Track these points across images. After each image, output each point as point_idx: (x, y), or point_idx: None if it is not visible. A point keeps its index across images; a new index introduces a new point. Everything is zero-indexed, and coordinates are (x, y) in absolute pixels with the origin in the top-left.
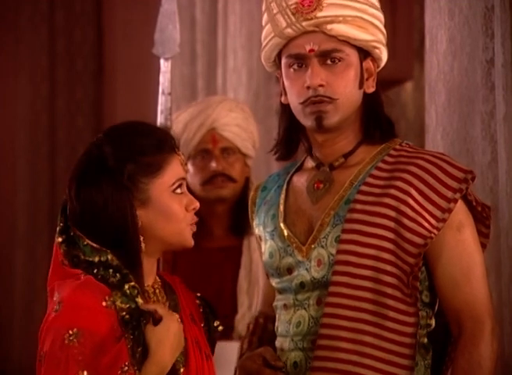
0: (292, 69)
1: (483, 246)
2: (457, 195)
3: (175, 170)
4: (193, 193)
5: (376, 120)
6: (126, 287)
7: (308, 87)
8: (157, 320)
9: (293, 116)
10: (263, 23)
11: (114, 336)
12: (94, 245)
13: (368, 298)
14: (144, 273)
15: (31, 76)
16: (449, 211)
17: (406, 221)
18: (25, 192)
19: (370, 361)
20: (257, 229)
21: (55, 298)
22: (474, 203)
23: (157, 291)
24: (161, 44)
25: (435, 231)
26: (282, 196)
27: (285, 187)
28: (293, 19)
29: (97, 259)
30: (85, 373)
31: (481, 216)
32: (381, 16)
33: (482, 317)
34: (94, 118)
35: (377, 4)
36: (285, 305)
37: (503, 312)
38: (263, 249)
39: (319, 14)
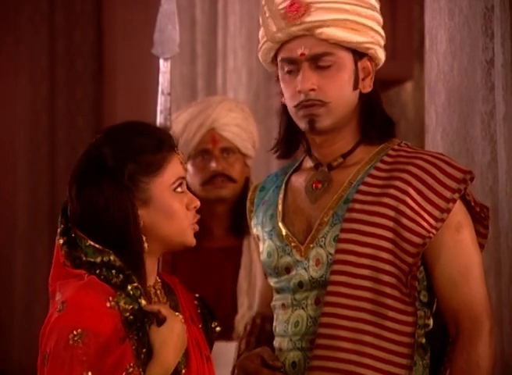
0: (286, 73)
1: (481, 246)
2: (456, 195)
3: (175, 169)
4: (193, 193)
5: (373, 120)
6: (129, 287)
7: (300, 91)
8: (161, 321)
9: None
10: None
11: (118, 337)
12: (97, 246)
13: (366, 298)
14: (147, 274)
15: (31, 76)
16: (448, 211)
17: (405, 221)
18: (25, 192)
19: (369, 360)
20: (256, 229)
21: (57, 298)
22: (473, 203)
23: (158, 291)
24: (160, 45)
25: (433, 231)
26: (281, 196)
27: (283, 187)
28: (283, 24)
29: (99, 260)
30: (89, 373)
31: (480, 217)
32: (376, 15)
33: (480, 317)
34: (94, 118)
35: (373, 3)
36: (283, 305)
37: (503, 312)
38: (261, 249)
39: (307, 19)
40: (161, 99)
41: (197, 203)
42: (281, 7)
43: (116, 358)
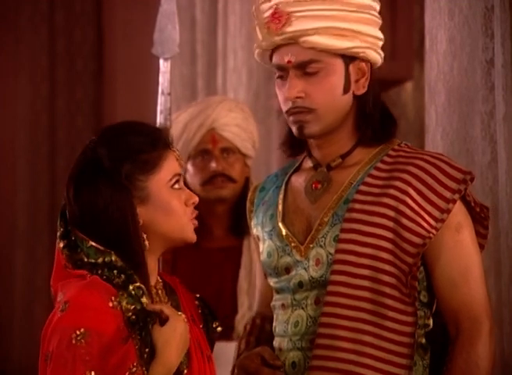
0: (277, 77)
1: (481, 247)
2: (456, 196)
3: (171, 166)
4: (193, 193)
5: (368, 121)
6: (131, 287)
7: (287, 99)
8: (163, 320)
9: None
10: None
11: (121, 337)
12: (98, 246)
13: (366, 298)
14: (148, 273)
15: (31, 76)
16: (448, 211)
17: (405, 221)
18: (25, 192)
19: (369, 360)
20: (256, 229)
21: (59, 298)
22: (473, 204)
23: (159, 291)
24: (160, 45)
25: (433, 231)
26: (281, 196)
27: (283, 187)
28: (266, 33)
29: (100, 261)
30: (92, 373)
31: (480, 217)
32: (366, 16)
33: (480, 318)
34: (94, 118)
35: (365, 3)
36: (283, 305)
37: (503, 312)
38: (261, 249)
39: (288, 29)
40: (161, 99)
41: (196, 199)
42: (265, 16)
43: (119, 358)
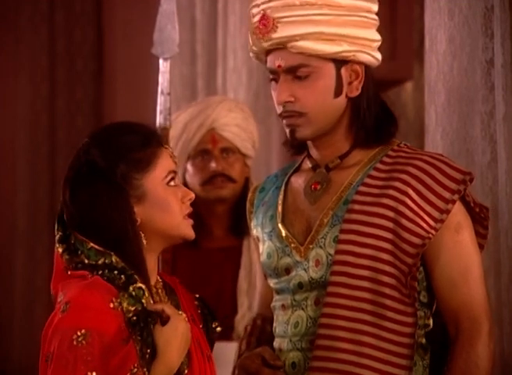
0: (271, 80)
1: (481, 247)
2: (455, 196)
3: (165, 163)
4: (193, 193)
5: (361, 124)
6: (131, 288)
7: (277, 103)
8: (164, 320)
9: None
10: None
11: (121, 337)
12: (98, 248)
13: (366, 299)
14: (148, 272)
15: (31, 76)
16: (447, 212)
17: (404, 221)
18: (25, 192)
19: (368, 361)
20: (255, 230)
21: (59, 299)
22: (473, 204)
23: (159, 291)
24: (160, 44)
25: (432, 232)
26: (281, 197)
27: (283, 188)
28: (255, 39)
29: (101, 262)
30: (94, 373)
31: (480, 217)
32: (356, 19)
33: (480, 318)
34: (94, 118)
35: (358, 5)
36: (283, 306)
37: (503, 312)
38: (261, 250)
39: (274, 35)
40: (160, 99)
41: (192, 196)
42: (254, 21)
43: (120, 359)
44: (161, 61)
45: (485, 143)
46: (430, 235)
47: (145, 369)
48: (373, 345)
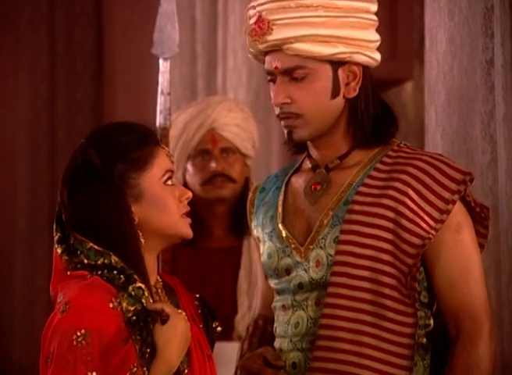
0: (269, 81)
1: (481, 247)
2: (456, 197)
3: (162, 162)
4: (193, 193)
5: (358, 125)
6: (130, 288)
7: (274, 105)
8: (164, 319)
9: None
10: None
11: (121, 337)
12: (98, 248)
13: (366, 299)
14: (148, 271)
15: (31, 76)
16: (448, 212)
17: (404, 222)
18: (25, 192)
19: (369, 362)
20: (256, 230)
21: (59, 299)
22: (473, 204)
23: (159, 290)
24: (159, 44)
25: (433, 232)
26: (281, 197)
27: (283, 188)
28: (251, 41)
29: (100, 262)
30: (94, 373)
31: (480, 217)
32: (352, 20)
33: (480, 318)
34: (94, 118)
35: (355, 5)
36: (283, 306)
37: (503, 312)
38: (261, 250)
39: (269, 38)
40: (160, 99)
41: (190, 194)
42: (250, 23)
43: (120, 359)
44: (161, 61)
45: (485, 143)
46: (430, 235)
47: (145, 369)
48: (373, 346)
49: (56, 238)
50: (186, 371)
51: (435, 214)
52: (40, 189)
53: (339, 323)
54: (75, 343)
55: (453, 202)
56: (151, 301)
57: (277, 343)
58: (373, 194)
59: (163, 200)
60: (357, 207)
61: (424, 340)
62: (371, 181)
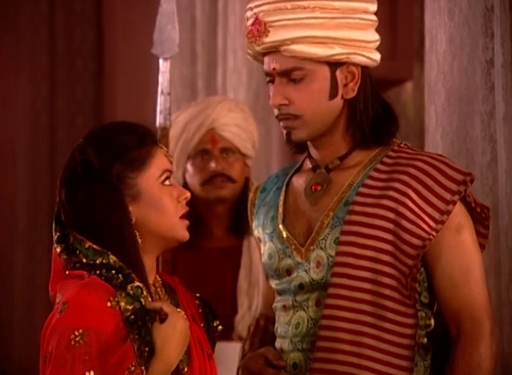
0: (268, 82)
1: (482, 247)
2: (456, 197)
3: (160, 162)
4: (193, 193)
5: (357, 125)
6: (129, 287)
7: (272, 106)
8: (163, 318)
9: None
10: None
11: (119, 336)
12: (96, 247)
13: (366, 300)
14: (146, 271)
15: (31, 76)
16: (448, 213)
17: (404, 223)
18: (25, 192)
19: (369, 362)
20: (257, 230)
21: (58, 299)
22: (473, 204)
23: (158, 289)
24: (159, 44)
25: (433, 233)
26: (282, 197)
27: (284, 188)
28: (248, 42)
29: (99, 261)
30: (92, 373)
31: (480, 217)
32: (351, 21)
33: (481, 318)
34: (94, 118)
35: (352, 6)
36: (284, 307)
37: (503, 312)
38: (262, 251)
39: (266, 39)
40: (160, 99)
41: (188, 195)
42: (247, 24)
43: (118, 358)
44: (161, 61)
45: (485, 143)
46: (430, 236)
47: (143, 368)
48: (373, 347)
49: (55, 238)
50: (186, 370)
51: (436, 215)
52: (40, 189)
53: (340, 323)
54: (73, 342)
55: (454, 203)
56: (150, 300)
57: (278, 343)
58: (373, 194)
59: (160, 200)
60: (357, 208)
61: (425, 340)
62: (371, 182)
